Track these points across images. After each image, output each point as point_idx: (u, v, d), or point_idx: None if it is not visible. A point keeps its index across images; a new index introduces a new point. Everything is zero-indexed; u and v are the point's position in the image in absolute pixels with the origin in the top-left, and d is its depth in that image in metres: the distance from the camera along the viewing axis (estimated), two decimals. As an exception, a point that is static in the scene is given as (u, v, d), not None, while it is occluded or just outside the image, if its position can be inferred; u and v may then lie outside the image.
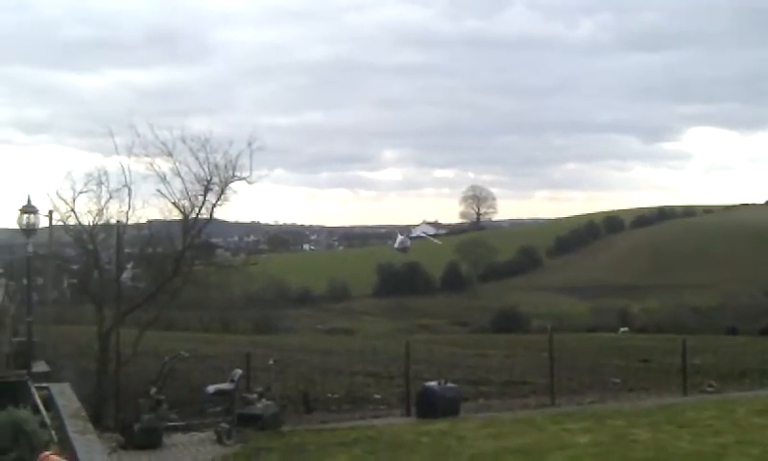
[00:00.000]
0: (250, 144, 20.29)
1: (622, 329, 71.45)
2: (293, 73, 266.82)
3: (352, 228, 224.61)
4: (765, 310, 74.93)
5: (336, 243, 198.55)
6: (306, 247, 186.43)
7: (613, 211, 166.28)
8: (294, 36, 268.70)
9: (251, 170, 20.68)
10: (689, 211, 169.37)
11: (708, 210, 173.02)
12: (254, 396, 16.69)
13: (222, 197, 20.77)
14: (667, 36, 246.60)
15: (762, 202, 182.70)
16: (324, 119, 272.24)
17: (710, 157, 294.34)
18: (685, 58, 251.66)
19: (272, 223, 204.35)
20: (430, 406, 17.64)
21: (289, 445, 14.67)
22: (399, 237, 64.27)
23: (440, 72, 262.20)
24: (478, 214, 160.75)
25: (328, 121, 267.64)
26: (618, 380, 26.55)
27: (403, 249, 65.32)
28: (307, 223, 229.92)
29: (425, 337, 55.04)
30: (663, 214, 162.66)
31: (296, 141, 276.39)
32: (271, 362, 18.59)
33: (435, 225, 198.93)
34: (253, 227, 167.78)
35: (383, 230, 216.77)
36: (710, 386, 24.40)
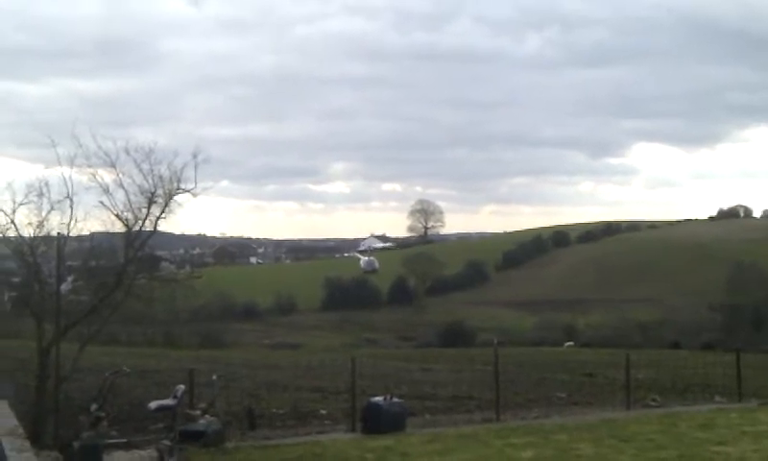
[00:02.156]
0: (195, 156, 20.03)
1: (567, 344, 72.06)
2: (239, 84, 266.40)
3: (300, 241, 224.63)
4: (708, 325, 76.22)
5: (283, 256, 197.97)
6: (253, 260, 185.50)
7: (560, 226, 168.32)
8: (241, 47, 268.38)
9: (195, 182, 20.41)
10: (634, 227, 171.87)
11: (652, 226, 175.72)
12: (198, 412, 16.44)
13: (166, 209, 20.46)
14: (613, 51, 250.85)
15: (706, 217, 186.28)
16: (271, 131, 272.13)
17: (655, 173, 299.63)
18: (631, 74, 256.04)
19: (218, 235, 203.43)
20: (376, 422, 17.54)
21: (232, 462, 14.49)
22: (366, 259, 62.53)
23: (387, 85, 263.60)
24: (426, 228, 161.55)
25: (275, 133, 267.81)
26: (563, 395, 26.70)
27: (372, 270, 63.39)
28: (254, 236, 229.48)
29: (372, 351, 54.97)
30: (609, 229, 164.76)
31: (242, 153, 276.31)
32: (214, 377, 18.32)
33: (382, 238, 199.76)
34: (200, 239, 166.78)
35: (331, 244, 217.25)
36: (653, 400, 24.64)
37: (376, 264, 59.39)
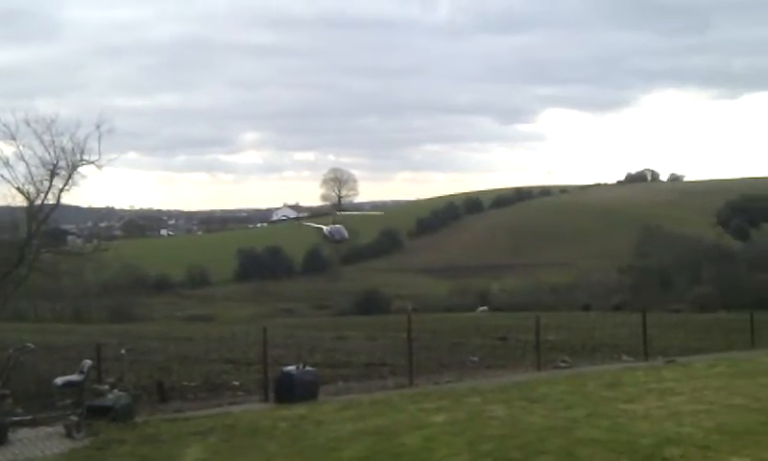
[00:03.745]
0: (98, 127, 19.61)
1: (481, 309, 73.01)
2: (145, 53, 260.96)
3: (212, 212, 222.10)
4: (617, 287, 77.92)
5: (195, 228, 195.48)
6: (164, 232, 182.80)
7: (473, 192, 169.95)
8: (145, 15, 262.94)
9: (100, 154, 19.96)
10: (545, 192, 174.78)
11: (563, 190, 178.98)
12: (106, 387, 16.11)
13: (69, 181, 20.01)
14: (523, 18, 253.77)
15: (615, 182, 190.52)
16: (179, 101, 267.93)
17: (565, 139, 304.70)
18: (540, 40, 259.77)
19: (128, 208, 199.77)
20: (288, 391, 17.43)
21: (142, 436, 14.20)
22: (332, 227, 57.59)
23: (298, 53, 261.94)
24: (339, 197, 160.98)
25: (184, 103, 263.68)
26: (476, 358, 27.02)
27: (341, 239, 58.63)
28: (165, 208, 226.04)
29: (287, 321, 54.84)
30: (521, 195, 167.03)
31: (150, 124, 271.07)
32: (123, 351, 17.97)
33: (296, 208, 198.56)
34: (108, 212, 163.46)
35: (244, 214, 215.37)
36: (564, 361, 25.08)
37: (345, 233, 54.78)
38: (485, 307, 74.14)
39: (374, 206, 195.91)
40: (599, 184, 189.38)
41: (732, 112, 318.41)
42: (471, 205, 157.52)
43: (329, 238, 54.80)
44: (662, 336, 30.26)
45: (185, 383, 21.72)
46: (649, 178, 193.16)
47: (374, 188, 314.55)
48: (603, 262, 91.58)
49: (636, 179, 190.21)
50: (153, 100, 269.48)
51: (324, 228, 55.72)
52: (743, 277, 71.37)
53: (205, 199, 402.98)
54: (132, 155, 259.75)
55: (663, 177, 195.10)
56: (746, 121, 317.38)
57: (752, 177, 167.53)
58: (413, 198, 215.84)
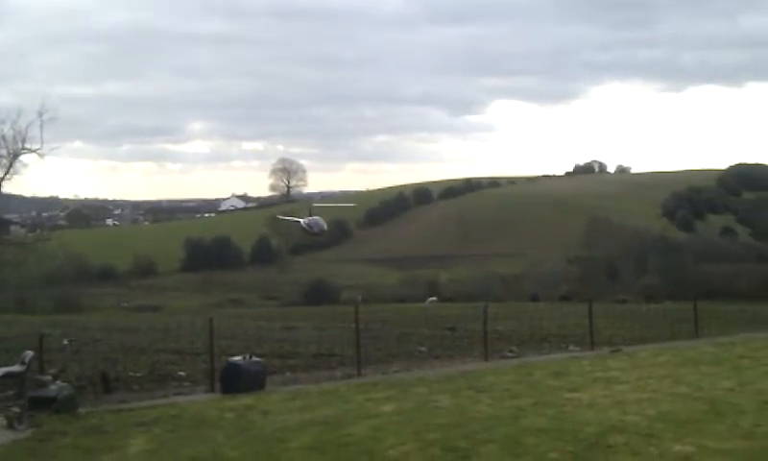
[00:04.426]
0: (40, 115, 19.23)
1: (430, 299, 73.16)
2: (90, 41, 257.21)
3: (159, 202, 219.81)
4: (565, 278, 78.74)
5: (141, 218, 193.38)
6: (110, 222, 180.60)
7: (423, 183, 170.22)
8: (90, 2, 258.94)
9: (42, 142, 19.59)
10: (495, 183, 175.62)
11: (512, 181, 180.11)
12: (48, 378, 15.86)
13: (10, 170, 19.61)
14: (473, 9, 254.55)
15: (563, 173, 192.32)
16: (126, 90, 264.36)
17: (514, 130, 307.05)
18: (490, 32, 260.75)
19: (72, 197, 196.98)
20: (235, 382, 17.30)
21: (85, 427, 13.99)
22: (310, 218, 55.20)
23: (247, 42, 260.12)
24: (288, 187, 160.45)
25: (131, 92, 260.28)
26: (425, 348, 27.06)
27: (319, 231, 56.13)
28: (111, 197, 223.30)
29: (235, 312, 54.48)
30: (470, 186, 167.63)
31: (96, 112, 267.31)
32: (65, 342, 17.70)
33: (244, 198, 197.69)
34: (52, 201, 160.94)
35: (191, 204, 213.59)
36: (511, 351, 25.24)
37: (324, 225, 52.44)
38: (434, 298, 74.36)
39: (324, 196, 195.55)
40: (548, 176, 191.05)
41: (678, 105, 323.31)
42: (421, 195, 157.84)
43: (308, 231, 53.03)
44: (609, 326, 30.60)
45: (131, 374, 21.45)
46: (597, 169, 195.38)
47: (324, 179, 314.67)
48: (551, 253, 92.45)
49: (583, 170, 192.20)
50: (98, 88, 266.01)
51: (302, 220, 54.46)
52: (688, 267, 72.59)
53: (152, 188, 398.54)
54: (77, 144, 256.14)
55: (611, 168, 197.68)
56: (691, 114, 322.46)
57: (697, 169, 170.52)
58: (363, 188, 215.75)
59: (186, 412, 15.03)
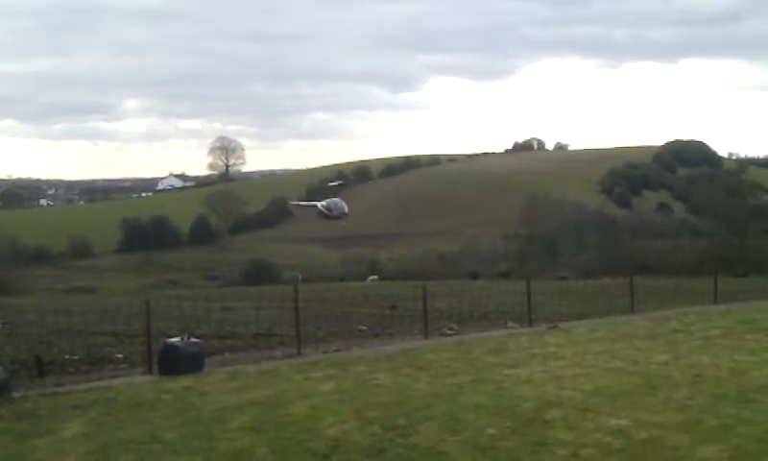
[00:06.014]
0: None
1: (371, 278, 73.34)
2: (18, 16, 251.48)
3: (94, 181, 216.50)
4: (504, 255, 79.46)
5: (76, 198, 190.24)
6: (43, 202, 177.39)
7: (362, 161, 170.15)
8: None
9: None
10: (434, 160, 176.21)
11: (451, 159, 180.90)
12: (-21, 362, 15.51)
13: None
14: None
15: (502, 150, 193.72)
16: (56, 66, 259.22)
17: (452, 107, 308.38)
18: (429, 9, 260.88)
19: (5, 177, 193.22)
20: (172, 363, 17.10)
21: (19, 411, 13.76)
22: (329, 201, 49.37)
23: (182, 18, 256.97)
24: (227, 166, 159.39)
25: (63, 68, 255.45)
26: (365, 327, 27.07)
27: (340, 214, 49.81)
28: (44, 177, 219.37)
29: (173, 293, 53.88)
30: (410, 163, 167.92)
31: (26, 90, 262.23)
32: (-2, 325, 17.33)
33: (182, 177, 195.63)
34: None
35: (127, 184, 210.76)
36: (451, 329, 25.34)
37: (345, 207, 46.57)
38: (374, 277, 74.53)
39: (263, 175, 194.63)
40: (487, 153, 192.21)
41: (615, 82, 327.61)
42: (361, 174, 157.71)
43: (327, 214, 48.30)
44: (547, 303, 30.88)
45: (66, 357, 21.09)
46: (535, 146, 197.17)
47: (263, 156, 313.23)
48: (491, 230, 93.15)
49: (522, 147, 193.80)
50: (28, 65, 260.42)
51: (319, 204, 50.46)
52: (625, 243, 73.70)
53: (87, 168, 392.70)
54: (8, 122, 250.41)
55: (549, 145, 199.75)
56: (628, 90, 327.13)
57: (634, 146, 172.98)
58: (302, 167, 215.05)
59: (123, 394, 14.85)
